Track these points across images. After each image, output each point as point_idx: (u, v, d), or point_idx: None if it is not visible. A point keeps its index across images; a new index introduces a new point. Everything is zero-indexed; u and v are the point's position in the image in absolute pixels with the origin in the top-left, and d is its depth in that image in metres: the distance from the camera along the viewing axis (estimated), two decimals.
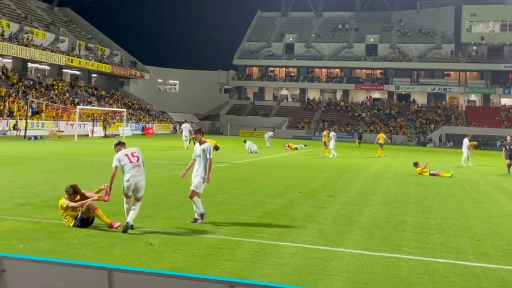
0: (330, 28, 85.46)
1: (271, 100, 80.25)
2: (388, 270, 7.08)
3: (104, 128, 47.36)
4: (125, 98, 68.02)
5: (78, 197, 9.06)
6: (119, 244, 7.73)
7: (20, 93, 48.69)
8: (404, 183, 17.91)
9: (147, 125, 59.93)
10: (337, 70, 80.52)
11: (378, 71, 78.74)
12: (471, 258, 7.93)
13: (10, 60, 54.12)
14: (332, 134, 31.87)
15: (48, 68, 60.11)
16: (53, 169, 17.68)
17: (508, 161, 23.82)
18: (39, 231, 8.38)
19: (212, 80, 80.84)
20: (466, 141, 28.41)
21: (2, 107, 43.19)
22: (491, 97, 73.00)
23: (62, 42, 60.62)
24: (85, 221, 8.72)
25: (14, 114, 43.80)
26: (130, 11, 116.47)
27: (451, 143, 62.17)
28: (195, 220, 9.54)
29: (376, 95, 78.17)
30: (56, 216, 9.26)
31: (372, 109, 73.88)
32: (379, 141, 33.72)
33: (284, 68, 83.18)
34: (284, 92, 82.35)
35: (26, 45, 51.72)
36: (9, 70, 53.45)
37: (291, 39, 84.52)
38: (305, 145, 41.55)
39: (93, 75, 67.62)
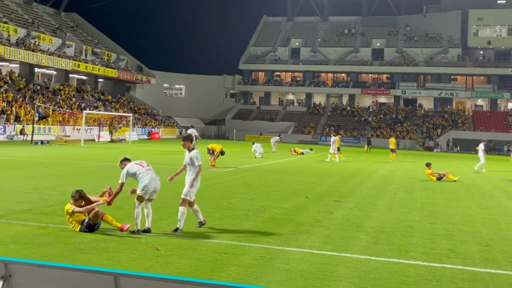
0: (336, 32, 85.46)
1: (277, 105, 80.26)
2: (395, 275, 7.04)
3: (111, 133, 47.49)
4: (131, 103, 68.22)
5: (84, 202, 9.08)
6: (126, 249, 7.73)
7: (27, 98, 48.94)
8: (411, 188, 17.84)
9: (153, 129, 60.07)
10: (343, 74, 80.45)
11: (385, 75, 78.62)
12: (479, 264, 7.87)
13: (17, 65, 54.45)
14: (333, 138, 31.89)
15: (55, 73, 60.43)
16: (60, 174, 17.74)
17: None
18: (45, 236, 8.39)
19: (218, 84, 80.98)
20: (482, 146, 28.23)
21: (9, 112, 43.42)
22: (498, 102, 72.74)
23: (68, 47, 60.95)
24: (91, 226, 8.74)
25: (21, 119, 44.02)
26: (136, 16, 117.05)
27: (458, 148, 61.95)
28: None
29: (382, 99, 78.04)
30: (63, 221, 9.27)
31: (378, 114, 73.74)
32: (390, 146, 33.62)
33: (290, 73, 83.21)
34: (290, 96, 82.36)
35: (33, 50, 52.02)
36: (16, 75, 53.74)
37: (297, 43, 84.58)
38: (311, 149, 41.47)
39: (99, 80, 67.91)
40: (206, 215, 10.88)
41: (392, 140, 34.52)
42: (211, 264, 7.13)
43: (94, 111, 51.28)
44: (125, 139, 47.14)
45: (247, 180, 18.38)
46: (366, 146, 47.03)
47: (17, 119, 43.64)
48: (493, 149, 59.43)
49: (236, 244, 8.36)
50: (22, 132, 41.91)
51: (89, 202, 9.11)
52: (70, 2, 74.79)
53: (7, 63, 53.23)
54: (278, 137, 43.39)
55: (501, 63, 74.06)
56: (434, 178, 21.01)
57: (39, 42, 55.67)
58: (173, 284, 3.36)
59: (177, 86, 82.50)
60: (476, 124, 67.93)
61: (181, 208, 9.11)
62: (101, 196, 9.48)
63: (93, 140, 45.63)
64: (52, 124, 46.01)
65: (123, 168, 9.22)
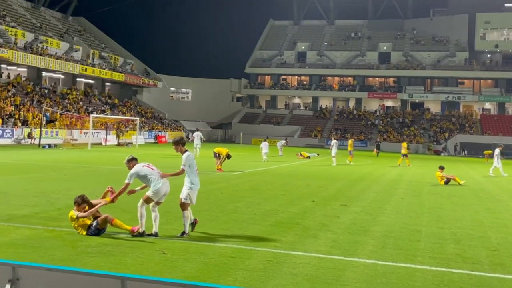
0: (343, 36, 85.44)
1: (283, 109, 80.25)
2: (403, 280, 7.00)
3: (118, 136, 47.65)
4: (138, 107, 68.45)
5: (87, 207, 9.09)
6: (132, 253, 7.74)
7: (34, 102, 49.20)
8: (418, 193, 17.76)
9: (160, 133, 60.22)
10: (349, 78, 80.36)
11: (391, 79, 78.48)
12: (487, 269, 7.81)
13: (25, 69, 54.80)
14: (333, 142, 31.85)
15: (62, 77, 60.76)
16: (67, 178, 17.80)
17: None
18: (53, 239, 8.41)
19: (225, 88, 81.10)
20: (497, 151, 28.04)
21: (17, 116, 43.66)
22: (506, 106, 72.36)
23: (76, 51, 61.28)
24: (99, 230, 8.75)
25: (29, 122, 44.24)
26: (143, 21, 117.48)
27: (466, 151, 61.65)
28: (182, 233, 9.09)
29: (389, 103, 77.88)
30: (70, 225, 9.28)
31: (385, 118, 73.57)
32: (402, 151, 33.44)
33: (296, 77, 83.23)
34: (297, 100, 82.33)
35: (40, 54, 52.33)
36: (24, 79, 54.06)
37: (303, 47, 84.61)
38: (318, 154, 41.40)
39: (106, 83, 68.21)
40: (212, 218, 10.90)
41: (404, 144, 34.24)
42: (218, 268, 7.12)
43: (101, 115, 51.47)
44: (132, 143, 47.27)
45: (253, 184, 18.36)
46: (375, 150, 46.64)
47: (25, 122, 43.87)
48: (501, 153, 59.05)
49: (243, 248, 8.34)
50: (29, 135, 42.12)
51: (92, 206, 9.13)
52: (78, 7, 75.43)
53: (15, 67, 53.58)
54: (284, 141, 43.35)
55: (509, 67, 73.71)
56: (442, 182, 20.91)
57: (46, 46, 56.01)
58: None
59: (183, 90, 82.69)
60: (483, 128, 67.62)
61: (184, 213, 9.09)
62: (104, 197, 9.47)
63: (100, 143, 45.79)
64: (59, 128, 46.23)
65: (130, 167, 9.18)
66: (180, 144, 9.37)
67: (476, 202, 15.78)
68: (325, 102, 79.82)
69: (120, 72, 65.23)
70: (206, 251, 8.05)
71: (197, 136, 34.05)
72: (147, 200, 8.96)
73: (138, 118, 52.92)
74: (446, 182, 20.81)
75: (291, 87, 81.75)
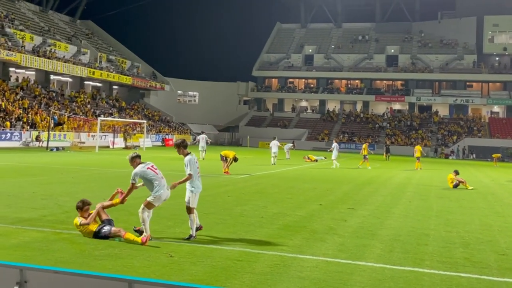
0: (350, 39, 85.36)
1: (290, 112, 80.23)
2: (410, 284, 6.96)
3: (125, 139, 47.79)
4: (145, 110, 68.66)
5: (91, 211, 9.10)
6: (140, 256, 7.74)
7: (42, 105, 49.46)
8: (426, 196, 17.67)
9: (167, 136, 60.34)
10: (357, 81, 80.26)
11: (399, 82, 78.29)
12: (496, 273, 7.75)
13: (33, 72, 55.12)
14: (334, 144, 31.81)
15: (70, 80, 61.06)
16: (75, 180, 17.85)
17: None
18: (60, 242, 8.43)
19: (232, 91, 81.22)
20: None
21: (25, 119, 43.90)
22: None
23: (84, 54, 61.60)
24: (107, 237, 8.74)
25: (37, 125, 44.47)
26: (150, 24, 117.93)
27: (474, 155, 61.33)
28: (189, 237, 9.06)
29: (397, 106, 77.67)
30: None
31: (393, 121, 73.36)
32: (415, 154, 33.29)
33: (303, 80, 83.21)
34: (304, 103, 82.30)
35: (48, 58, 52.63)
36: (32, 82, 54.37)
37: (310, 50, 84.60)
38: (325, 157, 41.31)
39: (114, 87, 68.48)
40: (220, 221, 10.89)
41: (419, 148, 34.08)
42: (225, 271, 7.11)
43: (109, 118, 51.65)
44: (139, 146, 47.39)
45: (260, 187, 18.35)
46: (384, 154, 46.30)
47: (33, 125, 44.10)
48: (510, 156, 58.79)
49: (250, 252, 8.33)
50: (37, 138, 42.33)
51: (105, 207, 9.17)
52: (85, 10, 75.84)
53: (23, 70, 53.91)
54: (291, 144, 43.30)
55: None
56: (451, 185, 20.79)
57: (54, 50, 56.34)
58: None
59: (190, 93, 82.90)
60: (492, 131, 67.26)
61: (190, 216, 9.07)
62: (112, 199, 9.44)
63: (108, 146, 45.94)
64: (67, 131, 46.43)
65: (133, 164, 9.11)
66: (181, 146, 9.29)
67: (484, 206, 15.68)
68: (332, 105, 79.73)
69: (128, 75, 65.48)
70: (213, 254, 8.04)
71: (202, 138, 34.10)
72: (148, 205, 8.90)
73: (145, 121, 53.06)
74: (455, 186, 20.70)
75: (298, 90, 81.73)
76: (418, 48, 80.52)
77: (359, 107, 78.44)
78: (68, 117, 48.60)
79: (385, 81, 79.45)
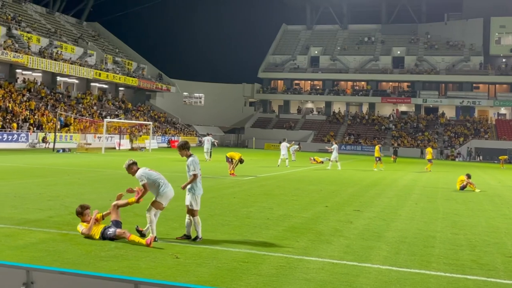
0: (356, 40, 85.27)
1: (296, 113, 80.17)
2: (417, 287, 6.93)
3: (131, 141, 47.92)
4: (151, 111, 68.82)
5: (92, 214, 9.13)
6: (145, 257, 7.75)
7: (49, 106, 49.66)
8: (433, 198, 17.60)
9: (173, 138, 60.44)
10: (363, 83, 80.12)
11: (405, 83, 78.11)
12: (503, 275, 7.71)
13: (40, 74, 55.37)
14: (334, 146, 31.75)
15: (76, 81, 61.28)
16: (81, 182, 17.90)
17: None
18: (66, 243, 8.45)
19: (237, 93, 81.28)
20: None
21: (32, 120, 44.09)
22: None
23: (90, 56, 61.82)
24: (112, 239, 8.75)
25: (43, 127, 44.65)
26: (156, 26, 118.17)
27: (481, 157, 61.07)
28: (195, 238, 9.07)
29: (403, 108, 77.48)
30: None
31: (399, 123, 73.19)
32: (427, 157, 33.17)
33: (309, 81, 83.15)
34: (309, 105, 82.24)
35: (55, 59, 52.85)
36: (39, 83, 54.62)
37: (316, 52, 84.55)
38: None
39: (120, 88, 68.68)
40: (225, 223, 10.88)
41: (430, 150, 34.01)
42: (231, 273, 7.10)
43: (115, 119, 51.80)
44: (145, 147, 47.50)
45: (266, 188, 18.33)
46: (392, 156, 46.03)
47: (40, 127, 44.28)
48: None
49: (256, 253, 8.32)
50: (44, 140, 42.50)
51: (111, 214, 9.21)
52: (92, 12, 76.18)
53: (30, 72, 54.17)
54: (297, 146, 43.24)
55: None
56: (458, 187, 20.68)
57: (61, 51, 56.58)
58: None
59: (196, 94, 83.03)
60: (499, 133, 66.97)
61: (194, 219, 9.05)
62: (118, 198, 9.36)
63: (114, 148, 46.08)
64: (73, 132, 46.59)
65: (132, 171, 9.12)
66: (185, 148, 9.27)
67: (491, 208, 15.61)
68: (338, 107, 79.62)
69: (134, 77, 65.66)
70: (219, 255, 8.04)
71: (208, 140, 34.21)
72: (156, 205, 8.96)
73: (151, 123, 53.19)
74: (462, 188, 20.60)
75: (304, 92, 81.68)
76: (425, 49, 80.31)
77: (365, 108, 78.29)
78: (75, 118, 48.77)
79: (391, 83, 79.28)
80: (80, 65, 56.08)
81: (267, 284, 6.69)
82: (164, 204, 9.07)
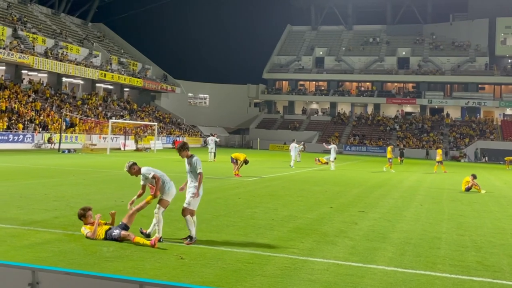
0: (361, 41, 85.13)
1: (301, 114, 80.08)
2: None
3: (136, 141, 48.00)
4: (156, 112, 68.93)
5: (94, 216, 9.16)
6: (150, 258, 7.76)
7: (54, 107, 49.81)
8: (438, 199, 17.55)
9: (177, 138, 60.50)
10: (368, 83, 79.97)
11: (410, 84, 77.91)
12: (509, 277, 7.68)
13: (46, 75, 55.54)
14: (332, 146, 31.71)
15: (82, 82, 61.46)
16: (86, 182, 17.95)
17: None
18: (72, 243, 8.48)
19: (242, 94, 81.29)
20: None
21: (37, 121, 44.23)
22: None
23: (95, 57, 61.98)
24: (116, 241, 8.76)
25: (49, 127, 44.79)
26: (161, 27, 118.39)
27: (486, 158, 60.84)
28: (190, 239, 8.91)
29: (408, 109, 77.30)
30: None
31: (404, 123, 73.02)
32: (437, 158, 33.11)
33: (314, 82, 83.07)
34: (314, 106, 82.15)
35: (60, 60, 53.02)
36: (44, 84, 54.80)
37: (321, 52, 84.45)
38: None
39: (125, 89, 68.83)
40: (230, 224, 10.88)
41: (440, 151, 33.95)
42: (235, 274, 7.10)
43: (120, 120, 51.91)
44: (150, 148, 47.57)
45: (271, 189, 18.33)
46: (398, 157, 45.78)
47: (45, 128, 44.42)
48: None
49: (260, 254, 8.32)
50: (49, 140, 42.63)
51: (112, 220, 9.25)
52: (97, 13, 76.41)
53: (35, 73, 54.36)
54: (302, 146, 43.17)
55: None
56: (464, 189, 20.61)
57: (66, 52, 56.77)
58: None
59: (201, 95, 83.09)
60: (504, 134, 66.70)
61: (186, 218, 8.90)
62: (132, 203, 9.37)
63: (119, 148, 46.16)
64: (79, 133, 46.72)
65: (134, 172, 9.21)
66: (185, 149, 9.18)
67: (497, 209, 15.55)
68: (343, 108, 79.50)
69: (139, 78, 65.79)
70: (224, 256, 8.04)
71: (212, 140, 34.30)
72: (164, 203, 9.04)
73: (156, 123, 53.27)
74: (467, 189, 20.52)
75: (308, 93, 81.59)
76: (430, 50, 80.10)
77: (370, 109, 78.15)
78: (80, 119, 48.90)
79: (396, 84, 79.10)
80: (85, 66, 56.23)
81: (272, 285, 6.69)
82: (170, 201, 9.16)
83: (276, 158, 42.23)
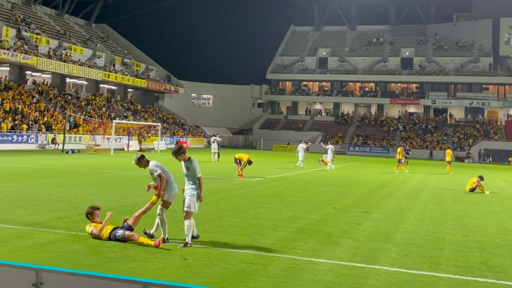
0: (364, 41, 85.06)
1: (304, 115, 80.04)
2: None
3: (140, 142, 48.06)
4: (160, 113, 69.00)
5: (101, 216, 9.18)
6: (154, 258, 7.76)
7: (58, 108, 49.93)
8: (442, 200, 17.51)
9: (181, 139, 60.55)
10: (371, 84, 79.87)
11: (414, 85, 77.79)
12: None
13: (49, 75, 55.69)
14: (329, 146, 31.71)
15: (85, 83, 61.59)
16: (90, 183, 17.98)
17: None
18: (75, 244, 8.49)
19: (245, 94, 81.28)
20: None
21: (41, 122, 44.34)
22: None
23: (99, 57, 62.11)
24: (120, 241, 8.76)
25: (53, 128, 44.89)
26: (164, 27, 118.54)
27: (490, 158, 60.67)
28: (189, 242, 8.72)
29: (411, 109, 77.19)
30: None
31: (408, 124, 72.90)
32: (447, 159, 33.13)
33: (317, 82, 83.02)
34: (318, 106, 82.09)
35: (64, 61, 53.14)
36: (48, 85, 54.93)
37: (324, 53, 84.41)
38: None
39: (129, 90, 68.94)
40: (234, 224, 10.88)
41: (449, 152, 33.95)
42: (239, 274, 7.10)
43: (124, 121, 51.99)
44: (153, 148, 47.61)
45: (274, 190, 18.32)
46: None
47: (49, 128, 44.52)
48: None
49: (264, 255, 8.31)
50: (53, 141, 42.73)
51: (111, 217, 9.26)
52: (101, 14, 76.54)
53: (39, 74, 54.51)
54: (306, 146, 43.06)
55: None
56: (468, 189, 20.54)
57: (70, 53, 56.89)
58: None
59: (204, 96, 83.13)
60: (508, 134, 66.51)
61: (186, 222, 8.74)
62: (140, 215, 9.33)
63: (123, 149, 46.22)
64: (82, 134, 46.82)
65: (142, 164, 9.20)
66: (180, 153, 9.07)
67: (501, 210, 15.50)
68: (346, 108, 79.43)
69: (142, 78, 65.89)
70: (227, 257, 8.04)
71: (214, 141, 34.43)
72: (166, 204, 9.04)
73: (160, 124, 53.33)
74: (472, 190, 20.46)
75: (312, 93, 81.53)
76: (433, 50, 79.96)
77: (373, 110, 78.05)
78: (84, 120, 49.00)
79: (399, 84, 78.96)
80: (89, 67, 56.35)
81: (276, 285, 6.68)
82: (171, 202, 9.15)
83: (280, 159, 42.22)
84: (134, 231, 8.88)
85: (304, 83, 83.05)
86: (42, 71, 52.31)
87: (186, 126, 70.35)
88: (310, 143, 45.27)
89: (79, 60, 57.16)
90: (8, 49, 46.20)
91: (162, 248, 8.38)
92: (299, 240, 9.58)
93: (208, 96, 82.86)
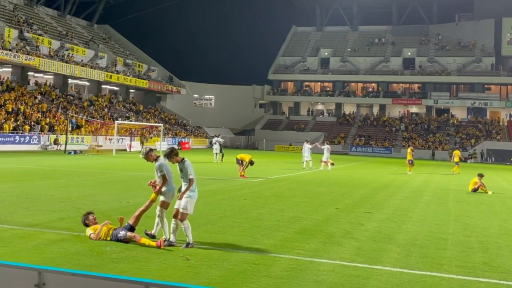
0: (366, 42, 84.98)
1: (306, 115, 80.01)
2: None
3: (142, 143, 48.09)
4: (162, 113, 69.04)
5: (98, 220, 9.22)
6: (156, 259, 7.76)
7: (60, 109, 49.99)
8: (444, 200, 17.48)
9: (183, 140, 60.58)
10: (373, 84, 79.79)
11: (416, 85, 77.69)
12: None
13: (52, 76, 55.77)
14: (325, 146, 31.71)
15: (87, 84, 61.68)
16: (92, 183, 17.99)
17: None
18: (78, 245, 8.50)
19: (247, 95, 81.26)
20: None
21: (43, 122, 44.40)
22: None
23: (101, 58, 62.19)
24: (122, 242, 8.77)
25: (55, 129, 44.95)
26: (166, 28, 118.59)
27: (493, 158, 60.58)
28: (187, 245, 8.71)
29: (414, 109, 77.09)
30: None
31: (410, 124, 72.82)
32: (454, 159, 33.20)
33: (319, 83, 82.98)
34: (320, 106, 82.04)
35: (66, 62, 53.22)
36: (50, 86, 55.01)
37: (326, 53, 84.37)
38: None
39: (131, 90, 69.01)
40: (236, 225, 10.88)
41: (457, 152, 33.99)
42: (241, 275, 7.10)
43: (126, 121, 52.03)
44: (156, 149, 47.58)
45: (276, 190, 18.31)
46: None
47: (51, 129, 44.58)
48: None
49: (266, 255, 8.31)
50: (56, 142, 42.78)
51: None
52: (103, 15, 76.61)
53: (41, 74, 54.60)
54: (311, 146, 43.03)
55: None
56: (471, 189, 20.51)
57: (72, 54, 56.98)
58: None
59: (206, 96, 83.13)
60: (510, 135, 66.41)
61: (184, 223, 8.72)
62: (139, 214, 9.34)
63: (125, 150, 46.25)
64: (85, 134, 46.87)
65: (150, 158, 9.20)
66: (173, 156, 9.02)
67: (504, 210, 15.47)
68: (348, 109, 79.39)
69: (144, 79, 65.94)
70: (230, 257, 8.04)
71: (216, 142, 34.58)
72: (164, 205, 9.05)
73: (162, 125, 53.37)
74: (474, 190, 20.42)
75: (314, 94, 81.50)
76: (436, 50, 79.87)
77: (375, 110, 77.97)
78: (86, 120, 49.05)
79: (402, 84, 78.88)
80: (91, 68, 56.42)
81: (278, 286, 6.68)
82: (170, 203, 9.15)
83: (282, 159, 42.21)
84: (135, 232, 8.89)
85: (306, 83, 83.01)
86: (44, 72, 52.39)
87: (188, 127, 70.38)
88: (316, 143, 45.26)
89: (81, 61, 57.24)
90: (10, 50, 46.28)
91: (164, 249, 8.38)
92: (301, 241, 9.58)
93: (210, 96, 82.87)
